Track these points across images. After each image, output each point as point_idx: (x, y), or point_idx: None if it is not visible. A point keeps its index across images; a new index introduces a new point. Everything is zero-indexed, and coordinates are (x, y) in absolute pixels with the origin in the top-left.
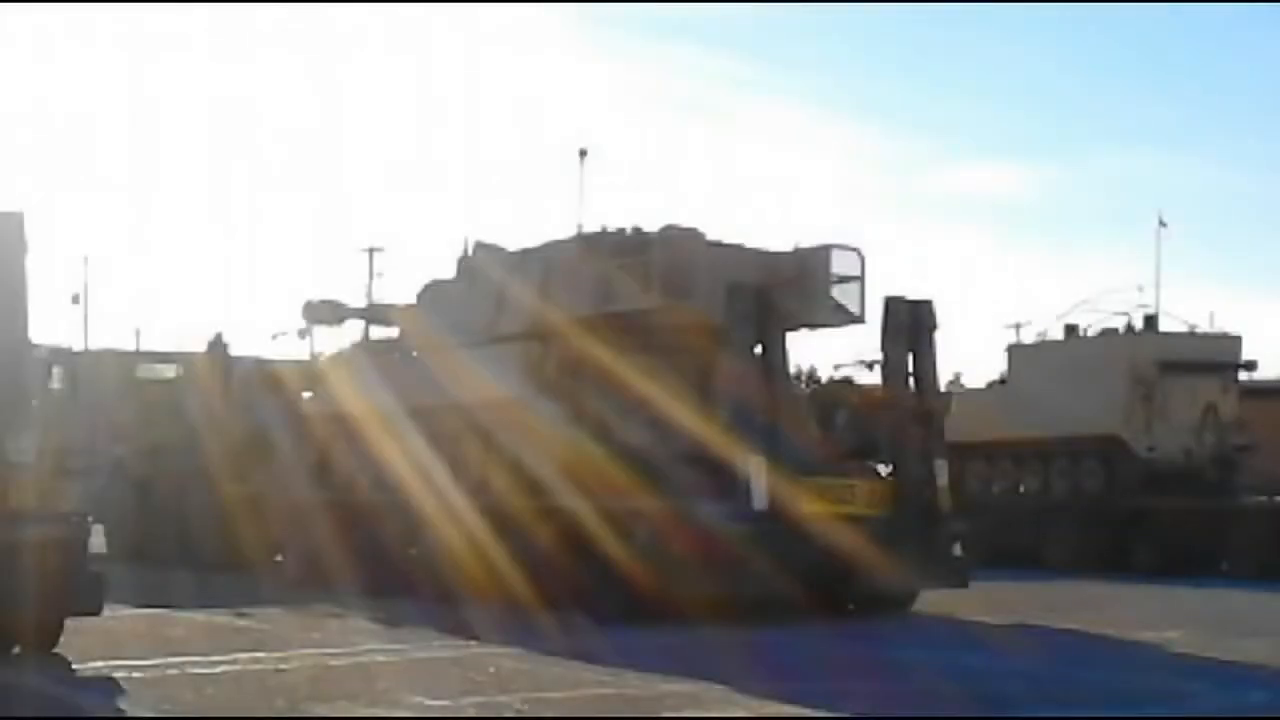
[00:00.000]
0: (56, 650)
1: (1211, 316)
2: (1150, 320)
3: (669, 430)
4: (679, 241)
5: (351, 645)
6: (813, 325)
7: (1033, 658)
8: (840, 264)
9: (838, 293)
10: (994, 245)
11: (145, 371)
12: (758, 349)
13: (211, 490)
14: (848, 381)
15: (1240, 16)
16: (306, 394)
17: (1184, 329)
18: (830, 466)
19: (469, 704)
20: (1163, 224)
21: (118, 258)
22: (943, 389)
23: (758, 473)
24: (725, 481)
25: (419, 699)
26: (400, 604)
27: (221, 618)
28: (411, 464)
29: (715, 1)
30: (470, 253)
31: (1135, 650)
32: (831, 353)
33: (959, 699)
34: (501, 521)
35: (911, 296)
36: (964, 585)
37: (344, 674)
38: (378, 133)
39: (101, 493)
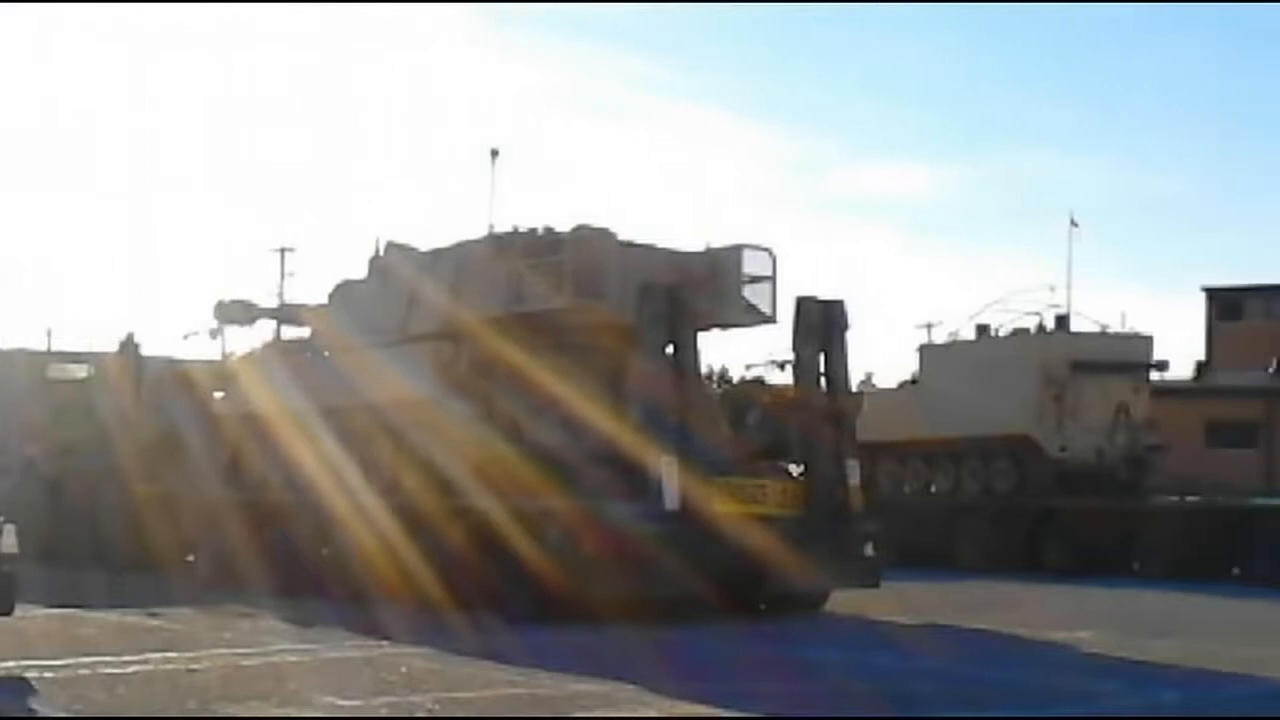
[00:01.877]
0: None
1: (1123, 316)
2: (1062, 320)
3: (580, 430)
4: (590, 241)
5: (263, 645)
6: (724, 325)
7: (944, 657)
8: (752, 264)
9: (749, 293)
10: (905, 245)
11: (56, 371)
12: (669, 349)
13: (123, 490)
14: (759, 381)
15: (1147, 16)
16: (218, 394)
17: (1095, 329)
18: (742, 466)
19: (381, 704)
20: (1074, 224)
21: (28, 257)
22: (854, 389)
23: (669, 473)
24: (637, 481)
25: (330, 699)
26: (312, 604)
27: (133, 618)
28: (323, 464)
29: (626, 1)
30: (382, 252)
31: (1046, 650)
32: (743, 353)
33: (870, 699)
34: (413, 521)
35: (823, 296)
36: (875, 585)
37: (255, 674)
38: (289, 132)
39: (13, 493)
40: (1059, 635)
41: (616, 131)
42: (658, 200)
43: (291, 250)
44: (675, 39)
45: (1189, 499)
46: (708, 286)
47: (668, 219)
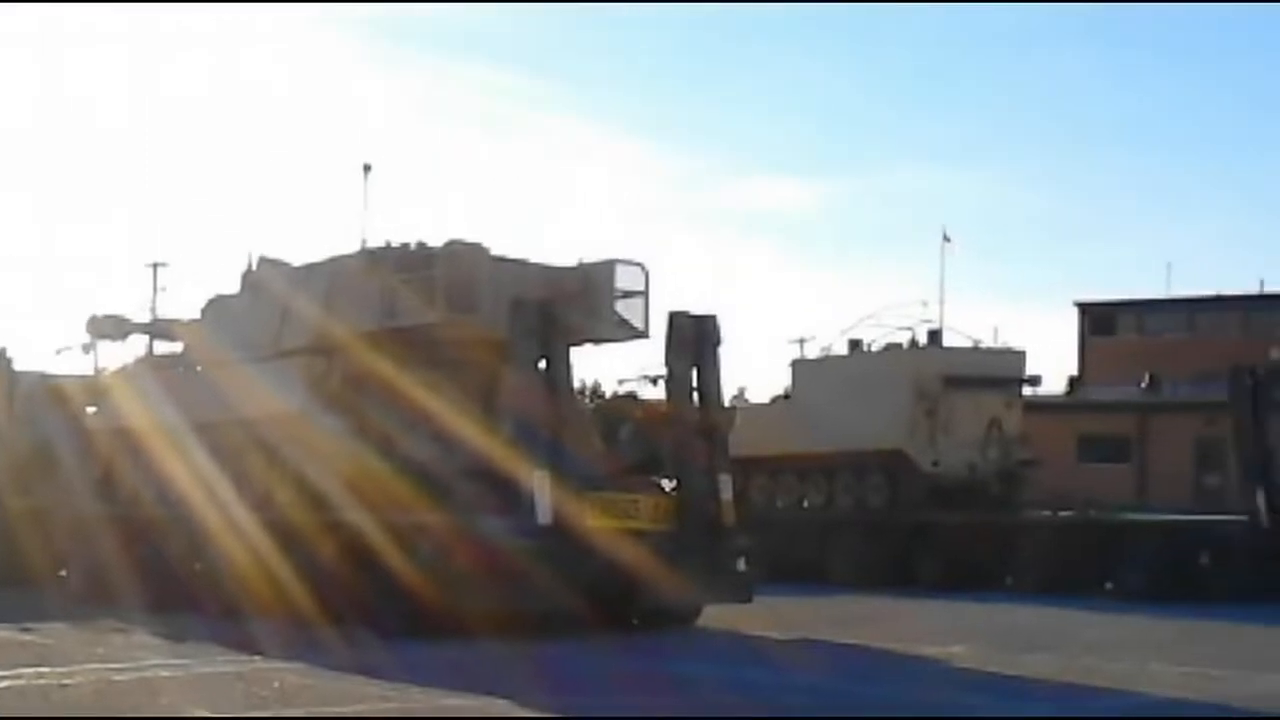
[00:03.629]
0: None
1: (995, 331)
2: (934, 335)
3: (453, 445)
4: (463, 256)
5: (135, 660)
6: (597, 340)
7: (817, 673)
8: (624, 279)
9: (622, 307)
10: (781, 260)
11: None
12: (542, 364)
13: None
14: (632, 396)
15: (1022, 33)
16: (91, 409)
17: (968, 344)
18: (614, 481)
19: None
20: (947, 239)
21: None
22: (727, 404)
23: (541, 487)
24: (509, 496)
25: (203, 714)
26: (184, 619)
27: (5, 633)
28: (196, 479)
29: (492, 2)
30: (254, 267)
31: (919, 665)
32: (615, 367)
33: (742, 713)
34: (286, 536)
35: (696, 311)
36: (748, 600)
37: (128, 689)
38: (163, 146)
39: None
40: (932, 650)
41: (491, 146)
42: (534, 216)
43: (164, 265)
44: (553, 55)
45: (1062, 513)
46: (580, 301)
47: (544, 235)
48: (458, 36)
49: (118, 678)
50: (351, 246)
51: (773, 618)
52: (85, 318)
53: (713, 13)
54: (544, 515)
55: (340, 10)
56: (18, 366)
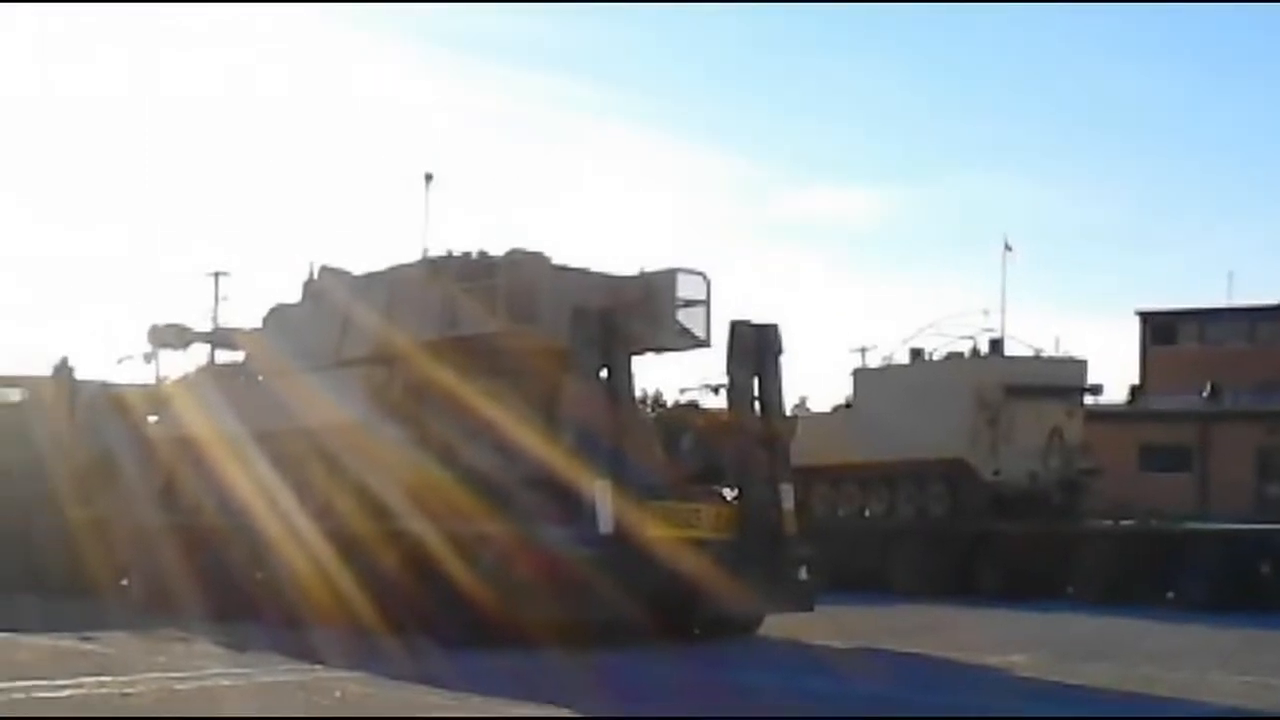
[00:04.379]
0: None
1: (1057, 340)
2: (996, 344)
3: (514, 454)
4: (524, 265)
5: (197, 670)
6: (658, 349)
7: (878, 682)
8: (686, 288)
9: (683, 316)
10: (841, 269)
11: None
12: (603, 373)
13: (57, 514)
14: (693, 405)
15: (1084, 41)
16: (152, 418)
17: (1029, 353)
18: (675, 490)
19: None
20: (1008, 248)
21: None
22: (788, 413)
23: (603, 496)
24: (570, 505)
25: None
26: (246, 628)
27: (67, 642)
28: (257, 488)
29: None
30: (315, 276)
31: (980, 674)
32: (677, 377)
33: None
34: (347, 545)
35: (757, 320)
36: (809, 609)
37: (189, 698)
38: (224, 155)
39: None
40: (993, 659)
41: (554, 155)
42: (593, 224)
43: (226, 274)
44: (613, 64)
45: (1123, 523)
46: (642, 310)
47: (604, 243)
48: (518, 46)
49: (179, 687)
50: (413, 255)
51: (834, 627)
52: (147, 327)
53: (773, 21)
54: (605, 524)
55: (403, 19)
56: (79, 375)
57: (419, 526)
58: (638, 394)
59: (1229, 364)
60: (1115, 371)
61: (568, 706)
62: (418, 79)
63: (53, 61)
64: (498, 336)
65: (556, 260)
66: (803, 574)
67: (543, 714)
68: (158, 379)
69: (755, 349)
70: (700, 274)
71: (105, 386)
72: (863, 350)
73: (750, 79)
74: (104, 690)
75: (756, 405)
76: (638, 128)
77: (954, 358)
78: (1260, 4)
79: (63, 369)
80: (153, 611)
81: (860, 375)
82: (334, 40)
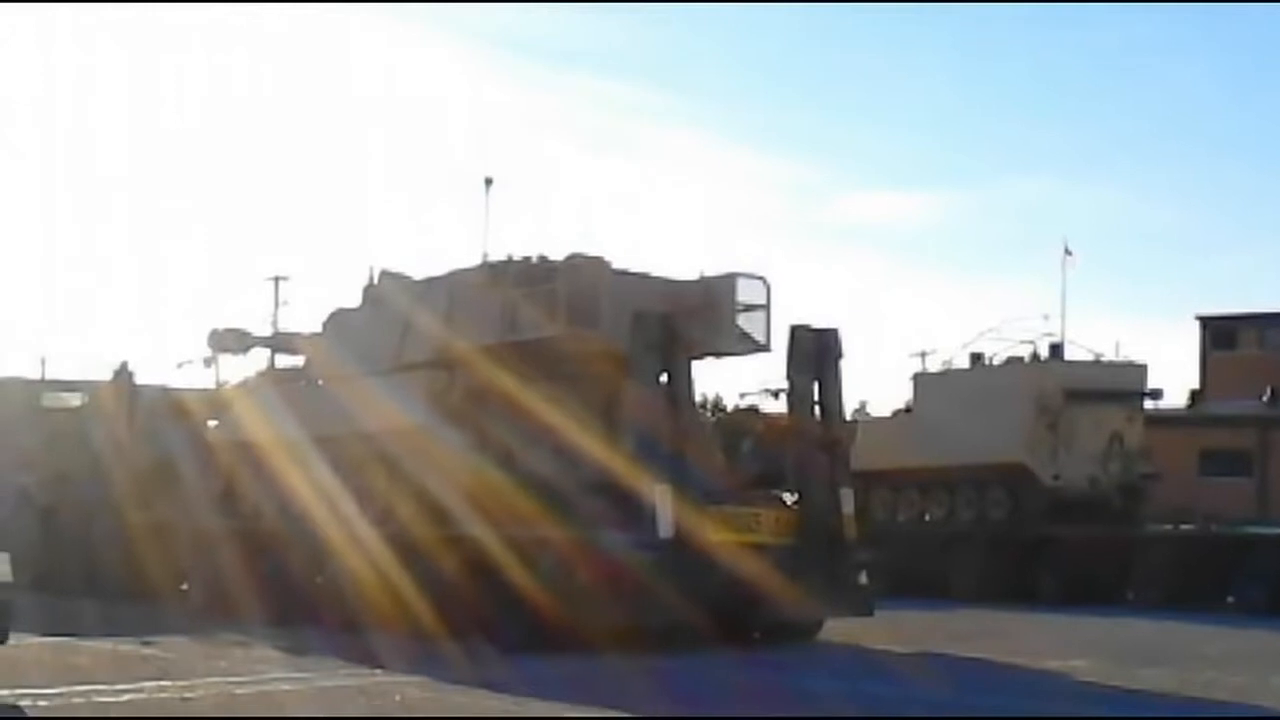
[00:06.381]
0: None
1: (1117, 345)
2: (1056, 349)
3: (574, 459)
4: (584, 270)
5: (257, 674)
6: (718, 353)
7: (937, 686)
8: (745, 292)
9: (743, 321)
10: (900, 273)
11: (51, 400)
12: (663, 377)
13: (117, 518)
14: (753, 410)
15: (1142, 44)
16: (212, 422)
17: (1089, 357)
18: (736, 495)
19: None
20: (1068, 252)
21: (23, 286)
22: (848, 417)
23: (663, 501)
24: (631, 510)
25: None
26: (305, 632)
27: (127, 646)
28: (317, 492)
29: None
30: (375, 281)
31: (1040, 679)
32: (737, 381)
33: None
34: (407, 550)
35: (817, 325)
36: (869, 614)
37: (250, 702)
38: (284, 160)
39: (7, 521)
40: (1053, 664)
41: (611, 159)
42: (652, 228)
43: (285, 279)
44: (670, 68)
45: (1183, 527)
46: (702, 315)
47: (662, 247)
48: (575, 50)
49: (239, 691)
50: (473, 260)
51: (894, 631)
52: (207, 331)
53: (826, 23)
54: (665, 529)
55: (462, 23)
56: (139, 380)
57: (479, 531)
58: (697, 399)
59: None
60: (1175, 376)
61: (628, 711)
62: (479, 84)
63: (119, 63)
64: (558, 341)
65: (616, 265)
66: (862, 579)
67: (603, 717)
68: (218, 383)
69: (815, 353)
70: (760, 278)
71: (165, 391)
72: (923, 355)
73: (808, 82)
74: (164, 695)
75: (816, 410)
76: (697, 132)
77: (1014, 362)
78: None
79: (123, 373)
80: (212, 616)
81: (920, 380)
82: (396, 45)
